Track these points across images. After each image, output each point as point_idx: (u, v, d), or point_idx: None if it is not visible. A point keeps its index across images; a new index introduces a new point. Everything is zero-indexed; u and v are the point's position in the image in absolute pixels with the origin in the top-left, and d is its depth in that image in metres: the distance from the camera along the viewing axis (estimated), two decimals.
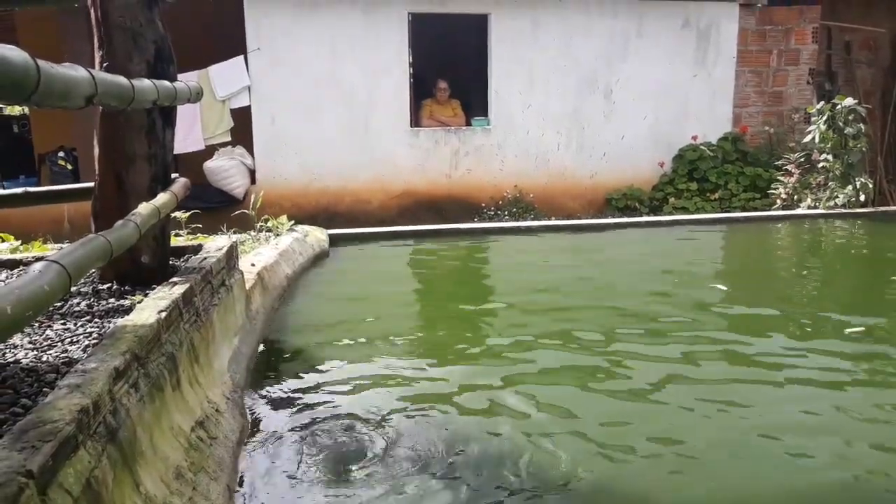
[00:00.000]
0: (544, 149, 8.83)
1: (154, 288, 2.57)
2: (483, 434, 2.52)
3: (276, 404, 2.81)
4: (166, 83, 2.58)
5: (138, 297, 2.52)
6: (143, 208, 2.43)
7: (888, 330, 3.76)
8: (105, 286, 2.78)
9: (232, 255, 3.38)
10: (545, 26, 8.57)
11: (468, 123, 8.80)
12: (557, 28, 8.60)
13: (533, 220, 7.94)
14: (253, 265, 4.09)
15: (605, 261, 5.78)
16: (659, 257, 5.92)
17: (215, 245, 3.32)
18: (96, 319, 2.37)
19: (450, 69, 9.06)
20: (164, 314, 2.18)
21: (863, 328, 3.67)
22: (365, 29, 8.15)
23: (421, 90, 8.78)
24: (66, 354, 2.02)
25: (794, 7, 9.14)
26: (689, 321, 3.91)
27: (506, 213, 8.35)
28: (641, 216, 8.17)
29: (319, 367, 3.20)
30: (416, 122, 8.62)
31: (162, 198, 2.66)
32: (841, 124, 7.66)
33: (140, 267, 2.80)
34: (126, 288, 2.76)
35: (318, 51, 8.09)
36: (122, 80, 2.01)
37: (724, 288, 4.68)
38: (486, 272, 5.75)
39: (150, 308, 2.23)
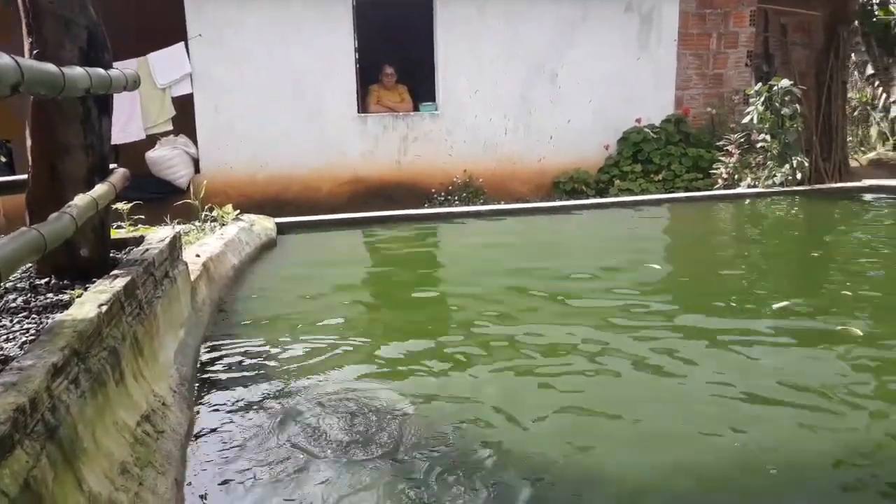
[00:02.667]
0: (492, 133, 8.87)
1: (94, 281, 2.51)
2: (429, 420, 2.53)
3: (225, 395, 2.78)
4: (100, 71, 2.50)
5: (77, 292, 2.46)
6: (80, 200, 2.36)
7: (808, 304, 3.89)
8: (43, 281, 2.70)
9: (175, 245, 3.31)
10: (491, 11, 8.58)
11: (416, 109, 8.77)
12: (503, 13, 8.62)
13: (483, 204, 7.98)
14: (198, 256, 4.02)
15: (550, 244, 5.86)
16: (602, 239, 6.03)
17: (158, 236, 3.25)
18: (33, 315, 2.31)
19: (397, 54, 9.01)
20: (104, 308, 2.13)
21: (787, 302, 3.78)
22: (310, 14, 8.03)
23: (368, 76, 8.71)
24: (1, 352, 1.96)
25: None
26: (622, 301, 3.99)
27: (456, 198, 8.37)
28: (588, 199, 8.28)
29: (268, 357, 3.17)
30: (363, 108, 8.56)
31: (100, 189, 2.59)
32: (777, 105, 7.89)
33: (79, 260, 2.73)
34: (65, 282, 2.68)
35: (263, 37, 7.95)
36: (50, 67, 1.94)
37: (658, 267, 4.79)
38: (436, 258, 5.77)
39: (90, 302, 2.17)
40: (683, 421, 2.52)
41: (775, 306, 3.74)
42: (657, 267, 4.79)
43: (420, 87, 9.02)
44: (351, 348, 3.28)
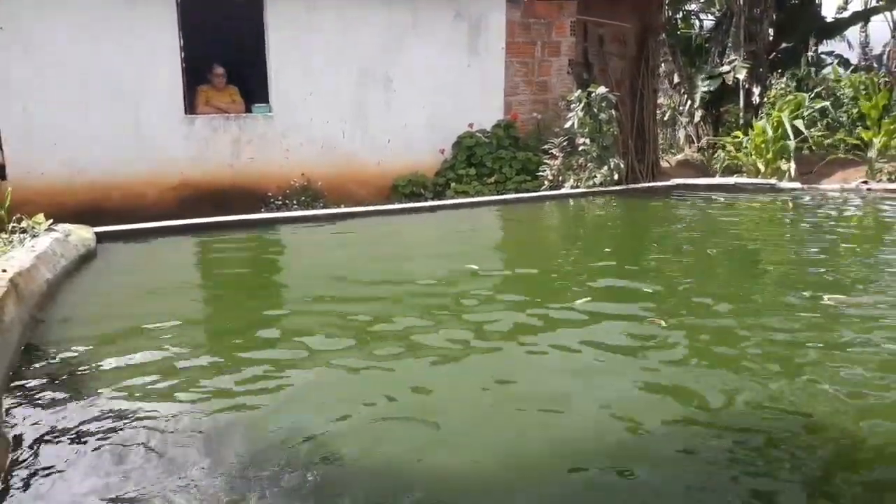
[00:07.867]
0: (330, 136, 8.82)
1: None
2: (259, 436, 2.51)
3: (39, 423, 2.58)
4: None
5: None
6: None
7: (608, 298, 4.10)
8: None
9: None
10: (321, 14, 8.52)
11: (248, 110, 8.54)
12: (334, 16, 8.60)
13: (322, 208, 7.92)
14: (4, 271, 3.69)
15: (384, 247, 5.94)
16: (431, 241, 6.19)
17: None
18: None
19: (227, 55, 8.72)
20: None
21: (590, 298, 4.00)
22: (127, 11, 7.58)
23: (196, 76, 8.36)
24: None
25: (554, 2, 9.90)
26: (436, 300, 4.14)
27: (294, 201, 8.24)
28: (426, 201, 8.46)
29: (87, 379, 2.98)
30: (191, 110, 8.20)
31: None
32: (596, 111, 8.48)
33: None
34: None
35: (74, 32, 7.40)
36: None
37: (476, 267, 4.97)
38: (272, 264, 5.66)
39: None
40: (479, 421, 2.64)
41: (578, 302, 3.93)
42: (475, 267, 4.96)
43: (253, 88, 8.79)
44: (178, 366, 3.15)
